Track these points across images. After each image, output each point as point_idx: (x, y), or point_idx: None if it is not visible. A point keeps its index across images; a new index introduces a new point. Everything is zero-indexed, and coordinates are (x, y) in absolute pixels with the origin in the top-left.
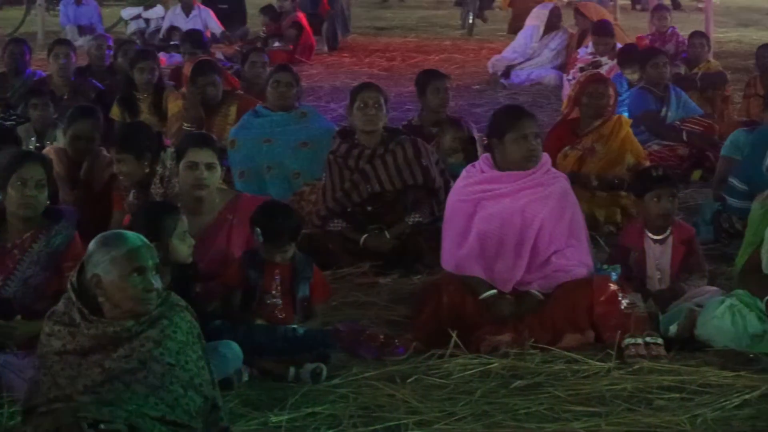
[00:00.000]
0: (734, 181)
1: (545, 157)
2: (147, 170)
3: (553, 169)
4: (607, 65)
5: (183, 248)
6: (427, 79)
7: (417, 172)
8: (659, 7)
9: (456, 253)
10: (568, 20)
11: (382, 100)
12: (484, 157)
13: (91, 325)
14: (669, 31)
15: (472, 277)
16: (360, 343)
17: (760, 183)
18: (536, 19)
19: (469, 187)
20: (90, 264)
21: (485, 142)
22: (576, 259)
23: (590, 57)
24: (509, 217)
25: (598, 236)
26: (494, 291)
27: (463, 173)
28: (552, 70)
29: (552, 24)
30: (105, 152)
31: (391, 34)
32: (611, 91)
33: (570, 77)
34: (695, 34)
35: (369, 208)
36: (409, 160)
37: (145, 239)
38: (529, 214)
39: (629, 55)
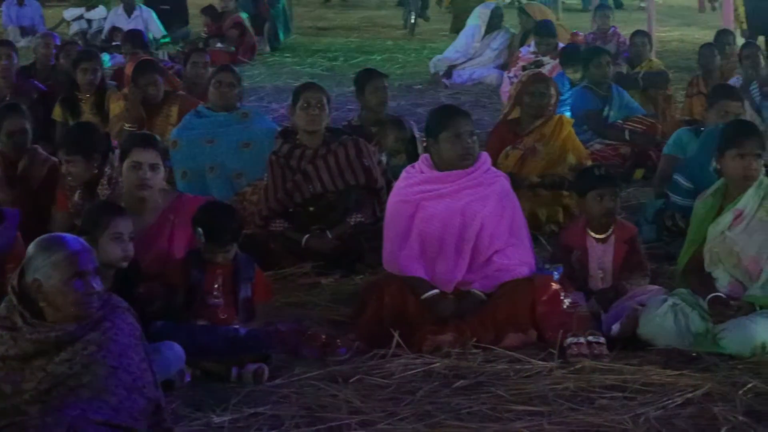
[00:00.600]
0: (680, 179)
1: (484, 157)
2: (95, 171)
3: (493, 169)
4: (549, 65)
5: (113, 250)
6: (366, 78)
7: (359, 172)
8: (602, 6)
9: (397, 253)
10: (510, 20)
11: (325, 100)
12: (423, 158)
13: (34, 330)
14: (611, 30)
15: (413, 277)
16: (302, 344)
17: (706, 182)
18: (478, 18)
19: (409, 188)
20: (30, 268)
21: (425, 143)
22: (517, 258)
23: (532, 56)
24: (449, 217)
25: (540, 235)
26: (436, 291)
27: (403, 174)
28: (494, 70)
29: (493, 23)
30: (41, 150)
31: (334, 34)
32: (553, 91)
33: (512, 75)
34: (637, 33)
35: (311, 209)
36: (351, 161)
37: (84, 243)
38: (470, 214)
39: (571, 55)
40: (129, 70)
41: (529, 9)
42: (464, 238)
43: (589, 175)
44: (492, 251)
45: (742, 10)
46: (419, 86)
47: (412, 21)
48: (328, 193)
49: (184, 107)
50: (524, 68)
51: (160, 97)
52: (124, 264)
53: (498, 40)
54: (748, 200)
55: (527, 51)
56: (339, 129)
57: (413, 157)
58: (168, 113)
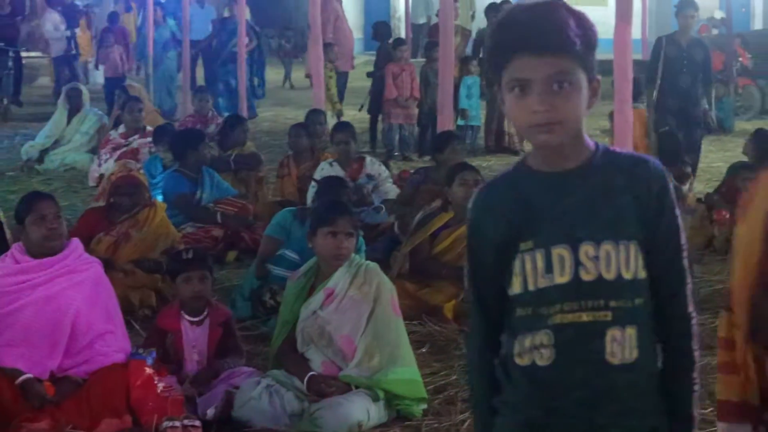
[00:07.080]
0: (287, 252)
1: (75, 243)
2: None
3: (86, 255)
4: (136, 143)
5: None
6: None
7: None
8: (201, 89)
9: None
10: None
11: None
12: (16, 246)
13: None
14: (209, 114)
15: (8, 368)
16: None
17: (311, 254)
18: (62, 102)
19: (4, 279)
20: None
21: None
22: (115, 345)
23: (122, 139)
24: (43, 306)
25: (133, 320)
26: (29, 375)
27: None
28: (86, 154)
29: (76, 105)
30: None
31: None
32: (143, 189)
33: (104, 155)
34: (233, 115)
35: None
36: None
37: None
38: (64, 301)
39: (163, 134)
40: None
41: (130, 89)
42: (59, 326)
43: (178, 258)
44: (90, 337)
45: (335, 90)
46: (11, 173)
47: (5, 105)
48: None
49: None
50: (114, 149)
51: None
52: None
53: (87, 123)
54: (339, 278)
55: (117, 133)
56: None
57: (3, 244)
58: None
